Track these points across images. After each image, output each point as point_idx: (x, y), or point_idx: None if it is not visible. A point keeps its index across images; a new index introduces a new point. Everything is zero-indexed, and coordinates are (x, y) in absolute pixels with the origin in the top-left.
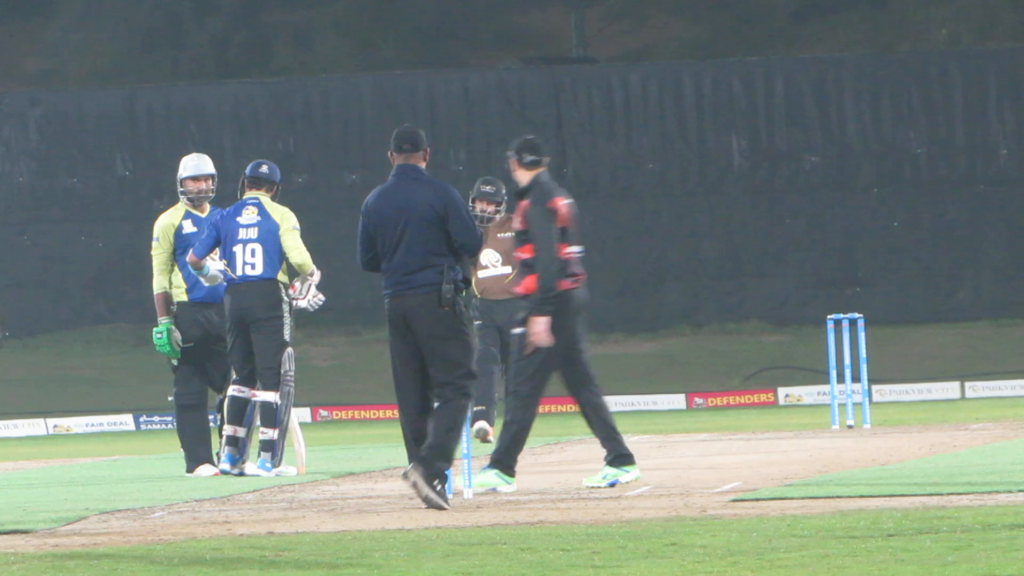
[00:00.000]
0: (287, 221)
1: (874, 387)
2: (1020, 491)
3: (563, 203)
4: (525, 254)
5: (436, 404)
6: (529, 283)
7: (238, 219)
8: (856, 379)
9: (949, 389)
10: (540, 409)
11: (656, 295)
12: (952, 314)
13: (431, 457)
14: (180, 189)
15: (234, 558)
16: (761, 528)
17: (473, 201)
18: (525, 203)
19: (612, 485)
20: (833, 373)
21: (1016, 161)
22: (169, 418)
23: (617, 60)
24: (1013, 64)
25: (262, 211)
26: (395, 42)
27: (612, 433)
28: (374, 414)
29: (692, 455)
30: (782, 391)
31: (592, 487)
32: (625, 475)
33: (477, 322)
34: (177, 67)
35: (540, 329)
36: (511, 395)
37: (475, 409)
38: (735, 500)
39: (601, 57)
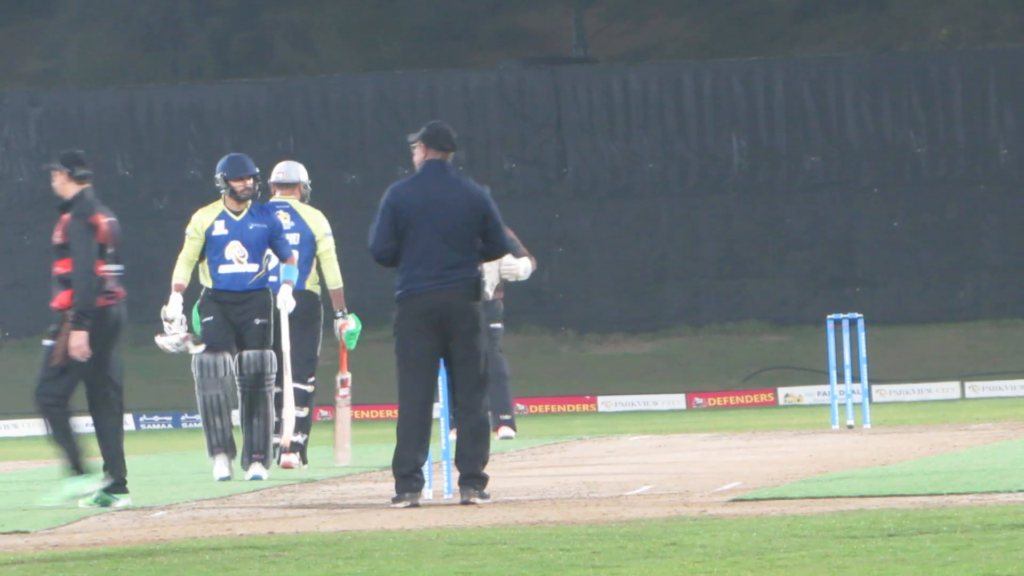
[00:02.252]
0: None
1: (874, 387)
2: (1020, 491)
3: (104, 220)
4: (63, 268)
5: (459, 409)
6: (64, 298)
7: None
8: (856, 379)
9: (949, 389)
10: (540, 410)
11: (656, 295)
12: (952, 314)
13: (477, 466)
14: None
15: (234, 558)
16: (761, 528)
17: None
18: (67, 217)
19: (104, 506)
20: (833, 373)
21: (1016, 161)
22: (169, 417)
23: (617, 60)
24: (1013, 64)
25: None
26: (395, 42)
27: (118, 460)
28: (374, 414)
29: (692, 455)
30: (782, 391)
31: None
32: (117, 502)
33: None
34: (177, 67)
35: (80, 343)
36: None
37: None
38: (735, 500)
39: (601, 57)
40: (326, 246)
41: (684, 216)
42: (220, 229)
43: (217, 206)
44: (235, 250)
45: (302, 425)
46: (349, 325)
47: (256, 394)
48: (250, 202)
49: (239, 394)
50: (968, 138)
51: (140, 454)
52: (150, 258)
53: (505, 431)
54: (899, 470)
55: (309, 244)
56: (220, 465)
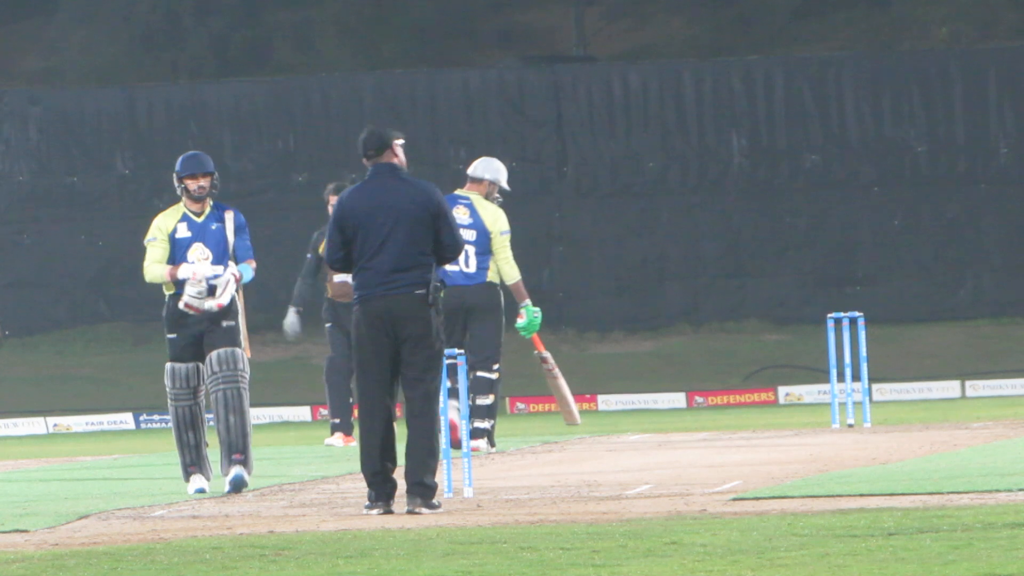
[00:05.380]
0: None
1: (874, 386)
2: (1020, 490)
3: None
4: None
5: (409, 416)
6: None
7: None
8: (856, 378)
9: (949, 388)
10: (540, 408)
11: (656, 294)
12: (952, 312)
13: (421, 475)
14: (497, 194)
15: (234, 557)
16: (761, 527)
17: (330, 196)
18: None
19: None
20: (833, 372)
21: (1016, 160)
22: (169, 417)
23: (617, 59)
24: (1013, 63)
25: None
26: (395, 41)
27: None
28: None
29: (692, 454)
30: (782, 390)
31: None
32: None
33: (327, 324)
34: (177, 66)
35: None
36: None
37: (332, 421)
38: (735, 499)
39: (601, 56)
40: (499, 244)
41: (684, 215)
42: (183, 232)
43: (178, 209)
44: (198, 252)
45: (488, 411)
46: (520, 319)
47: (230, 390)
48: (211, 201)
49: (211, 396)
50: (968, 137)
51: (140, 453)
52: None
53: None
54: (899, 469)
55: (484, 238)
56: (195, 481)
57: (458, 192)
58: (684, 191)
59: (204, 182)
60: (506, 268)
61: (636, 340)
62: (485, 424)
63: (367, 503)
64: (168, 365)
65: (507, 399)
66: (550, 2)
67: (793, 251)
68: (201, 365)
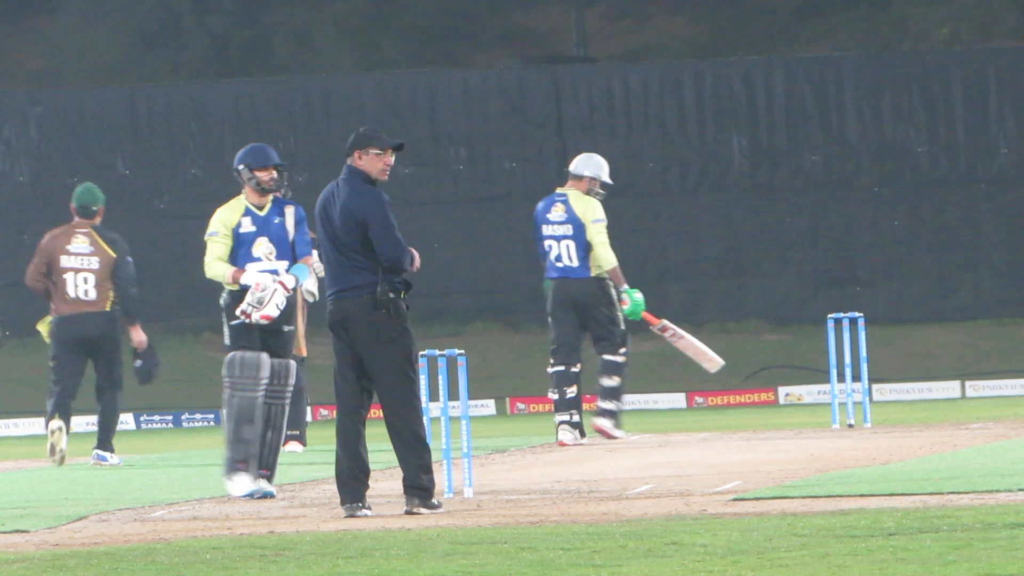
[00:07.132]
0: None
1: (874, 386)
2: (1020, 490)
3: None
4: None
5: (387, 421)
6: None
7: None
8: (856, 378)
9: (950, 388)
10: (540, 409)
11: (656, 294)
12: (953, 313)
13: (419, 476)
14: (599, 189)
15: (235, 557)
16: (761, 527)
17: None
18: None
19: None
20: (833, 372)
21: (1017, 160)
22: (170, 417)
23: (618, 59)
24: (1014, 63)
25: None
26: (396, 41)
27: None
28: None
29: (692, 454)
30: (782, 390)
31: None
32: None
33: None
34: (177, 66)
35: None
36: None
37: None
38: (735, 499)
39: (602, 56)
40: (593, 231)
41: (684, 215)
42: (247, 226)
43: (240, 202)
44: (263, 247)
45: (613, 393)
46: (624, 305)
47: (275, 406)
48: (271, 195)
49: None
50: (968, 137)
51: (140, 453)
52: (150, 258)
53: (292, 446)
54: (899, 469)
55: (580, 230)
56: (242, 481)
57: (558, 190)
58: (684, 191)
59: (275, 174)
60: (602, 253)
61: (636, 340)
62: (611, 405)
63: (341, 503)
64: (233, 354)
65: (507, 399)
66: (550, 2)
67: (793, 251)
68: (268, 357)
